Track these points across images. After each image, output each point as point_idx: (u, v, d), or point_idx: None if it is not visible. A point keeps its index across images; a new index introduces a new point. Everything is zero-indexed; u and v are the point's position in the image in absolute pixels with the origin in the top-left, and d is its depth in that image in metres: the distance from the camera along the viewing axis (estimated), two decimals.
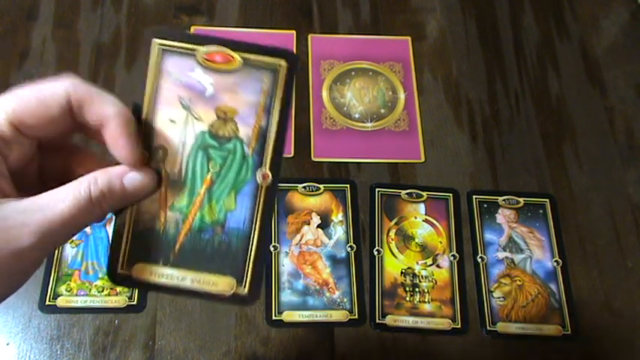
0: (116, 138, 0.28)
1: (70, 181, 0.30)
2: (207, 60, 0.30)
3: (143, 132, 0.30)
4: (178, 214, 0.31)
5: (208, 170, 0.31)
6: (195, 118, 0.30)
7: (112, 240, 0.31)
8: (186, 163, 0.30)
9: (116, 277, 0.30)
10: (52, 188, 0.30)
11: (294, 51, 0.70)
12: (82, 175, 0.31)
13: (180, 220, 0.30)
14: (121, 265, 0.30)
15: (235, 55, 0.30)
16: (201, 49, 0.30)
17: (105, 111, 0.28)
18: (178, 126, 0.30)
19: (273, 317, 0.55)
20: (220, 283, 0.31)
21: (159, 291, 0.31)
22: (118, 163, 0.30)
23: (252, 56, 0.30)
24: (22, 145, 0.28)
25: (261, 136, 0.31)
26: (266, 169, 0.31)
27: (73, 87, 0.27)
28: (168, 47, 0.30)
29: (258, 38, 0.70)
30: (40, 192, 0.29)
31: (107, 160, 0.32)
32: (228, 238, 0.31)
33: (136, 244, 0.30)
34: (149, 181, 0.29)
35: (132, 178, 0.29)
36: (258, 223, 0.31)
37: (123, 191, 0.28)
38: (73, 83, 0.27)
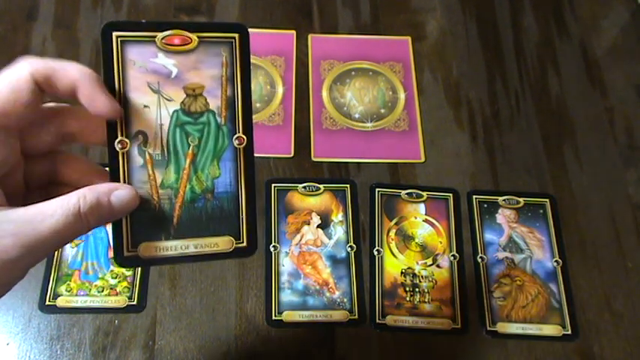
0: (93, 95, 0.29)
1: (56, 190, 0.31)
2: (166, 44, 0.31)
3: (121, 121, 0.31)
4: (170, 191, 0.33)
5: (189, 145, 0.33)
6: (167, 99, 0.32)
7: (112, 228, 0.32)
8: (167, 143, 0.32)
9: (124, 260, 0.32)
10: (38, 198, 0.31)
11: (294, 50, 0.70)
12: (67, 184, 0.32)
13: (172, 195, 0.33)
14: (126, 249, 0.32)
15: (192, 35, 0.32)
16: (159, 35, 0.31)
17: (72, 75, 0.29)
18: (152, 110, 0.32)
19: (273, 317, 0.55)
20: (221, 243, 0.34)
21: (167, 263, 0.33)
22: (104, 171, 0.31)
23: (206, 34, 0.32)
24: (3, 143, 0.28)
25: (230, 104, 0.33)
26: (240, 133, 0.33)
27: (33, 65, 0.28)
28: (127, 38, 0.31)
29: (258, 38, 0.70)
30: (27, 202, 0.30)
31: (93, 165, 0.34)
32: (219, 203, 0.34)
33: (136, 226, 0.32)
34: (134, 197, 0.31)
35: (118, 194, 0.30)
36: (243, 182, 0.34)
37: (110, 207, 0.29)
38: (30, 62, 0.28)
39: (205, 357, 0.52)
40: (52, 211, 0.27)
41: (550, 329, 0.57)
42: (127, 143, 0.31)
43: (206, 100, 0.33)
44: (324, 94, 0.68)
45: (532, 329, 0.57)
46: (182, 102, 0.32)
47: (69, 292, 0.54)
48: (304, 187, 0.61)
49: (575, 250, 0.61)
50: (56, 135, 0.31)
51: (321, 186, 0.61)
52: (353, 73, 0.69)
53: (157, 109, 0.32)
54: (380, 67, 0.70)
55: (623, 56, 0.75)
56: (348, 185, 0.61)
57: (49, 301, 0.53)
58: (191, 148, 0.33)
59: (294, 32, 0.71)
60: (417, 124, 0.67)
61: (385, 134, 0.66)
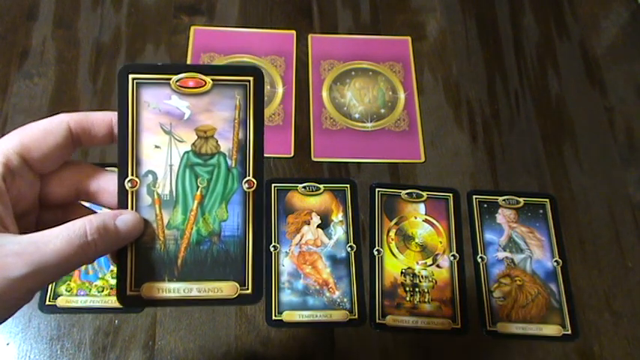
0: None
1: None
2: (180, 86, 0.32)
3: (132, 161, 0.32)
4: (176, 232, 0.32)
5: (197, 186, 0.33)
6: (178, 140, 0.32)
7: (117, 265, 0.32)
8: (176, 183, 0.32)
9: (126, 299, 0.32)
10: None
11: (294, 50, 0.70)
12: None
13: (178, 236, 0.32)
14: (129, 288, 0.32)
15: (206, 78, 0.32)
16: (174, 77, 0.32)
17: (109, 117, 0.32)
18: (163, 150, 0.32)
19: (273, 317, 0.55)
20: (225, 289, 0.33)
21: (168, 305, 0.33)
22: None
23: (221, 77, 0.33)
24: (24, 180, 0.29)
25: (241, 147, 0.33)
26: (250, 176, 0.33)
27: (71, 115, 0.31)
28: (142, 80, 0.32)
29: (258, 38, 0.70)
30: None
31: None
32: (225, 247, 0.33)
33: (140, 265, 0.32)
34: (139, 222, 0.31)
35: (124, 218, 0.30)
36: (251, 226, 0.33)
37: (116, 231, 0.30)
38: (68, 113, 0.30)
39: (205, 357, 0.52)
40: (57, 234, 0.27)
41: (550, 329, 0.57)
42: (136, 182, 0.32)
43: (217, 142, 0.33)
44: (324, 94, 0.68)
45: (532, 329, 0.57)
46: (193, 143, 0.32)
47: (69, 292, 0.54)
48: (304, 187, 0.61)
49: (575, 250, 0.61)
50: (71, 189, 0.32)
51: (321, 186, 0.61)
52: (353, 73, 0.69)
53: (168, 150, 0.32)
54: (380, 67, 0.70)
55: (623, 56, 0.75)
56: (348, 185, 0.61)
57: (49, 300, 0.53)
58: (199, 189, 0.33)
59: (294, 32, 0.71)
60: (417, 124, 0.67)
61: (385, 134, 0.66)
